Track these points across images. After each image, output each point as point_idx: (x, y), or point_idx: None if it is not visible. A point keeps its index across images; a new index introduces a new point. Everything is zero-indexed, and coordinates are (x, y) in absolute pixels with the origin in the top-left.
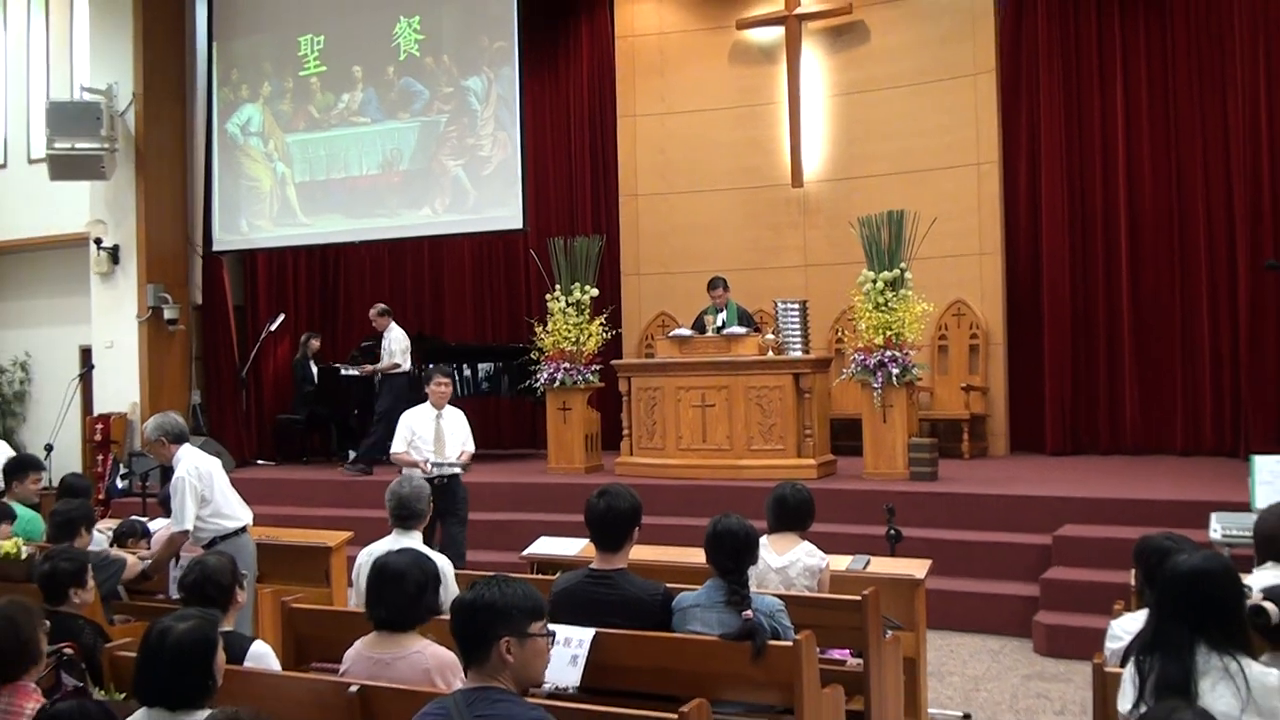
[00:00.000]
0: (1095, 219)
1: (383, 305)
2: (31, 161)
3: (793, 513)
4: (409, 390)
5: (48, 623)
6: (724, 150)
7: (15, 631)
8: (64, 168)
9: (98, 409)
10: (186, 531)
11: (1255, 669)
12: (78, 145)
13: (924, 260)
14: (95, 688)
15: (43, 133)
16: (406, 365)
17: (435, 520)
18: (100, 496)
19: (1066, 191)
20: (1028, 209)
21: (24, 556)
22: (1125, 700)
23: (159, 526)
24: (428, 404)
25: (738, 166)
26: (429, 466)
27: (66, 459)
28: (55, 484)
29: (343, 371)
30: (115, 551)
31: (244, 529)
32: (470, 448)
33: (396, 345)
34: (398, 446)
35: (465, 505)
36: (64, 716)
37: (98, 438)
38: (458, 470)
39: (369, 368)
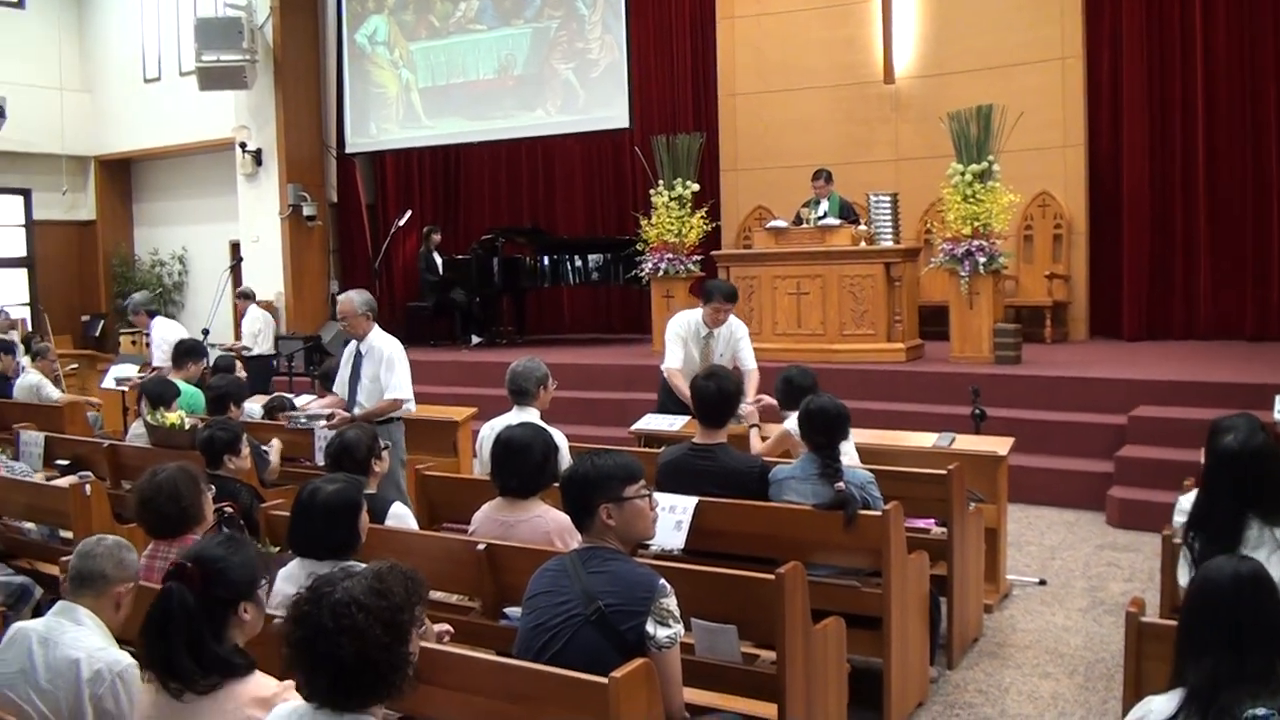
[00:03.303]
0: (1174, 113)
1: (243, 288)
2: (182, 74)
3: (808, 391)
4: (264, 374)
5: (213, 487)
6: (818, 48)
7: (176, 496)
8: (211, 79)
9: None
10: (406, 399)
11: None
12: (223, 58)
13: (1010, 153)
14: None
15: (192, 47)
16: (258, 349)
17: None
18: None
19: (1146, 86)
20: (1109, 103)
21: (188, 427)
22: (1183, 574)
23: (304, 401)
24: (698, 317)
25: (832, 64)
26: None
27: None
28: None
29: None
30: (271, 450)
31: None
32: (750, 364)
33: (247, 328)
34: (671, 362)
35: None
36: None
37: None
38: (755, 421)
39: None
